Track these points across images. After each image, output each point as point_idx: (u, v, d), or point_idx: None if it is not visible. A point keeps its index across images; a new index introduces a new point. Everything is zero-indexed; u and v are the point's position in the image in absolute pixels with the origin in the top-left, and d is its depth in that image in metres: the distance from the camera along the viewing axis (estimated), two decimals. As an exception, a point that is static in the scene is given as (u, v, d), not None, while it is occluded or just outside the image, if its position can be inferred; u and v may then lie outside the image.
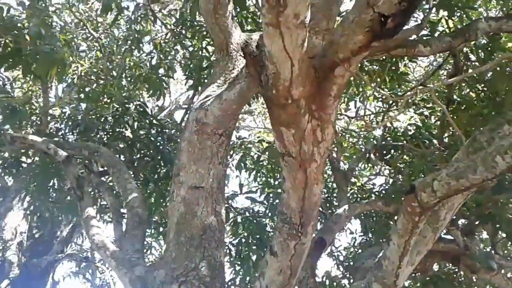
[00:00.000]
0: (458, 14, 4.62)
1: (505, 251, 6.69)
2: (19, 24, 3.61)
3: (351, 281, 6.34)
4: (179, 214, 3.40)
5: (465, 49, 5.04)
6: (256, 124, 12.16)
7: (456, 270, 6.09)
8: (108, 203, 5.11)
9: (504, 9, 5.18)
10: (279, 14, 1.76)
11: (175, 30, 7.28)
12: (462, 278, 6.19)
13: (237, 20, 5.31)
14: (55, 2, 8.38)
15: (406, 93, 5.72)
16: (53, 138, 6.01)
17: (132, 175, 4.90)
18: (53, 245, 10.05)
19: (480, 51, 4.79)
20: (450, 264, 6.12)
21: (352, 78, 5.02)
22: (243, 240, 6.26)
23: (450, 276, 6.21)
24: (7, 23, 3.53)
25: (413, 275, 5.77)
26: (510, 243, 6.51)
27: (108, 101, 6.61)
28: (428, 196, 2.39)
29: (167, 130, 6.78)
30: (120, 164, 4.72)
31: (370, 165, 7.43)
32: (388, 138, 6.51)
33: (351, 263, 6.96)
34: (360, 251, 7.00)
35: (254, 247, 6.20)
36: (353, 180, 7.29)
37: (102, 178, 5.67)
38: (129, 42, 7.27)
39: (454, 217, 3.34)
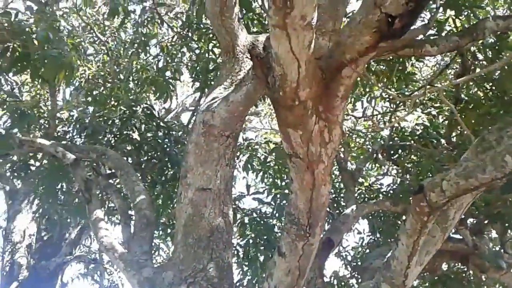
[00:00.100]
0: (466, 13, 4.60)
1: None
2: (27, 29, 3.64)
3: (359, 281, 6.32)
4: (186, 215, 3.41)
5: (472, 48, 5.02)
6: (262, 125, 12.17)
7: (465, 269, 6.07)
8: (116, 205, 5.13)
9: (512, 7, 5.16)
10: (286, 16, 1.77)
11: (181, 33, 7.31)
12: (471, 278, 6.16)
13: (243, 22, 5.31)
14: (62, 7, 8.45)
15: (414, 93, 5.70)
16: (61, 141, 6.04)
17: (140, 177, 4.92)
18: (62, 247, 10.09)
19: (487, 50, 4.76)
20: (459, 264, 6.09)
21: (359, 79, 5.01)
22: (251, 241, 6.26)
23: (459, 276, 6.18)
24: (15, 28, 3.56)
25: (422, 274, 5.75)
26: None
27: (116, 104, 6.64)
28: (437, 196, 2.38)
29: (174, 132, 6.80)
30: (128, 167, 4.74)
31: (377, 165, 7.41)
32: (396, 138, 6.49)
33: (359, 263, 6.95)
34: (368, 251, 6.98)
35: (261, 248, 6.21)
36: (360, 180, 7.27)
37: (110, 181, 5.70)
38: (136, 45, 7.30)
39: (463, 217, 3.33)
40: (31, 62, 3.68)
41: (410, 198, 2.79)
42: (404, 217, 5.05)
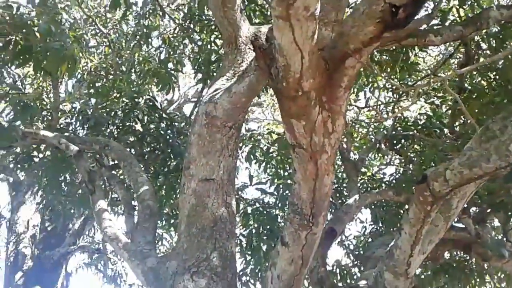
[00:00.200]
0: (469, 2, 4.58)
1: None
2: (29, 22, 3.63)
3: (362, 270, 6.35)
4: (190, 206, 3.43)
5: (476, 38, 4.99)
6: (265, 116, 12.16)
7: (468, 258, 6.09)
8: (119, 196, 5.16)
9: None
10: (289, 7, 1.76)
11: (183, 25, 7.28)
12: (474, 266, 6.19)
13: (245, 14, 5.29)
14: (64, -1, 8.43)
15: (417, 82, 5.69)
16: (63, 133, 6.06)
17: (143, 168, 4.94)
18: (66, 237, 10.17)
19: (491, 39, 4.73)
20: (462, 252, 6.11)
21: (362, 69, 4.99)
22: (254, 231, 6.29)
23: (461, 264, 6.20)
24: (17, 21, 3.56)
25: (424, 263, 5.77)
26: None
27: (118, 95, 6.65)
28: (440, 185, 2.39)
29: (176, 124, 6.81)
30: (131, 158, 4.75)
31: (380, 155, 7.42)
32: (399, 128, 6.49)
33: (362, 252, 6.97)
34: (370, 240, 7.00)
35: (264, 238, 6.24)
36: (363, 170, 7.27)
37: (113, 172, 5.72)
38: (137, 37, 7.29)
39: (466, 205, 3.34)
40: (33, 54, 3.68)
41: (413, 188, 2.79)
42: (407, 207, 5.06)
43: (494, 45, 4.77)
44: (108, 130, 6.43)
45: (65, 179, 6.60)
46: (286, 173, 6.84)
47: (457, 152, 4.42)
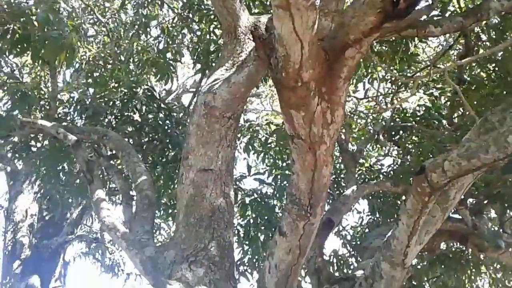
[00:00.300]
0: (469, -7, 4.56)
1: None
2: (27, 11, 3.61)
3: (359, 260, 6.39)
4: (188, 196, 3.44)
5: (476, 29, 4.98)
6: (263, 107, 12.14)
7: (464, 249, 6.13)
8: (117, 186, 5.16)
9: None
10: (289, -4, 1.75)
11: (182, 14, 7.24)
12: (470, 257, 6.23)
13: (245, 3, 5.26)
14: (61, -13, 8.34)
15: (416, 74, 5.68)
16: (62, 122, 6.04)
17: (141, 159, 4.93)
18: (63, 226, 10.18)
19: (491, 30, 4.72)
20: (458, 243, 6.15)
21: (361, 60, 4.98)
22: (251, 221, 6.31)
23: (458, 255, 6.25)
24: (15, 10, 3.53)
25: (421, 254, 5.81)
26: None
27: (116, 85, 6.61)
28: (438, 177, 2.39)
29: (175, 114, 6.80)
30: (129, 148, 4.75)
31: (378, 146, 7.42)
32: (397, 119, 6.49)
33: (359, 243, 7.01)
34: (367, 230, 7.04)
35: (262, 228, 6.26)
36: (361, 161, 7.29)
37: (111, 162, 5.72)
38: (136, 26, 7.24)
39: (463, 197, 3.35)
40: (31, 43, 3.66)
41: (411, 179, 2.80)
42: (404, 198, 5.08)
43: (494, 36, 4.76)
44: (106, 120, 6.42)
45: (63, 168, 6.59)
46: (284, 164, 6.85)
47: (455, 144, 4.43)
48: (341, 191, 6.73)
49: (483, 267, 6.54)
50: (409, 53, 5.34)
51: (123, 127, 6.31)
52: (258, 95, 11.59)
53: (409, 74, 5.91)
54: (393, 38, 4.63)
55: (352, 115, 7.72)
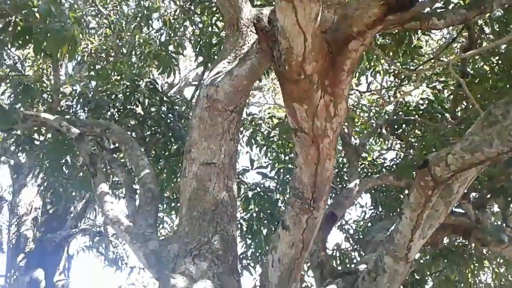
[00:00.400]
0: (473, -15, 4.51)
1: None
2: (28, 2, 3.59)
3: (361, 253, 6.40)
4: (191, 189, 3.43)
5: (480, 22, 4.94)
6: (266, 100, 12.12)
7: (467, 243, 6.12)
8: (121, 179, 5.16)
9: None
10: (292, -12, 1.74)
11: (184, 6, 7.21)
12: (473, 251, 6.22)
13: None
14: (63, -21, 8.32)
15: (419, 67, 5.65)
16: (64, 115, 6.05)
17: (144, 152, 4.94)
18: (67, 220, 10.22)
19: (495, 23, 4.68)
20: (461, 237, 6.14)
21: (364, 53, 4.94)
22: (254, 214, 6.32)
23: (461, 249, 6.24)
24: (16, 2, 3.52)
25: (424, 248, 5.81)
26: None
27: (119, 78, 6.61)
28: (441, 170, 2.38)
29: (177, 107, 6.79)
30: (132, 141, 4.75)
31: (381, 139, 7.41)
32: (400, 113, 6.46)
33: (361, 237, 7.02)
34: (370, 224, 7.04)
35: (265, 222, 6.27)
36: (364, 155, 7.28)
37: (114, 155, 5.73)
38: (138, 19, 7.22)
39: (466, 191, 3.34)
40: (33, 36, 3.64)
41: (414, 173, 2.79)
42: (407, 192, 5.07)
43: (497, 29, 4.73)
44: (109, 113, 6.42)
45: (66, 161, 6.61)
46: (286, 158, 6.85)
47: (458, 137, 4.41)
48: (344, 185, 6.73)
49: (486, 261, 6.53)
50: (412, 46, 5.31)
51: (126, 120, 6.31)
52: (260, 88, 11.57)
53: (412, 67, 5.88)
54: (396, 30, 4.60)
55: (354, 108, 7.70)
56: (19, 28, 3.64)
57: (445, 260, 6.14)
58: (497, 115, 2.52)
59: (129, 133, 5.65)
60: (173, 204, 7.08)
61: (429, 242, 4.85)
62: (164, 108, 6.55)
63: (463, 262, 6.11)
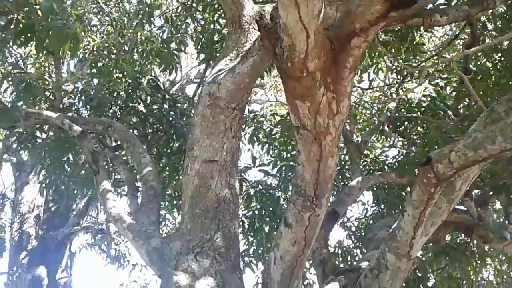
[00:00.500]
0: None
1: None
2: (30, 0, 3.59)
3: (363, 251, 6.40)
4: (193, 187, 3.43)
5: (482, 18, 4.92)
6: (267, 97, 12.11)
7: (469, 240, 6.12)
8: (123, 177, 5.17)
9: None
10: (295, -16, 1.73)
11: (186, 3, 7.20)
12: (475, 248, 6.22)
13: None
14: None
15: (421, 63, 5.63)
16: (66, 113, 6.06)
17: (146, 149, 4.94)
18: (69, 218, 10.26)
19: (498, 19, 4.67)
20: (463, 235, 6.13)
21: (366, 49, 4.93)
22: (256, 212, 6.32)
23: (463, 246, 6.23)
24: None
25: (426, 245, 5.81)
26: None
27: (120, 75, 6.61)
28: (444, 168, 2.38)
29: (179, 105, 6.79)
30: (134, 139, 4.75)
31: (383, 137, 7.40)
32: (402, 110, 6.45)
33: (363, 234, 7.01)
34: (372, 222, 7.04)
35: (267, 219, 6.27)
36: (366, 152, 7.27)
37: (116, 153, 5.73)
38: (140, 16, 7.21)
39: (468, 188, 3.33)
40: (35, 33, 3.64)
41: (416, 170, 2.79)
42: (409, 189, 5.05)
43: (500, 25, 4.71)
44: (111, 110, 6.42)
45: (68, 159, 6.62)
46: (288, 155, 6.84)
47: (461, 134, 4.40)
48: (346, 182, 6.72)
49: (488, 258, 6.53)
50: (415, 42, 5.29)
51: (128, 118, 6.32)
52: (262, 85, 11.56)
53: (414, 64, 5.86)
54: (399, 27, 4.59)
55: (357, 105, 7.69)
56: (21, 25, 3.63)
57: (447, 257, 6.14)
58: (500, 112, 2.51)
59: (131, 130, 5.65)
60: (175, 202, 7.09)
61: (431, 239, 4.84)
62: (166, 106, 6.55)
63: (465, 259, 6.11)
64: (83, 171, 6.67)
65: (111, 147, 5.71)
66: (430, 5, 4.06)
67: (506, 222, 5.74)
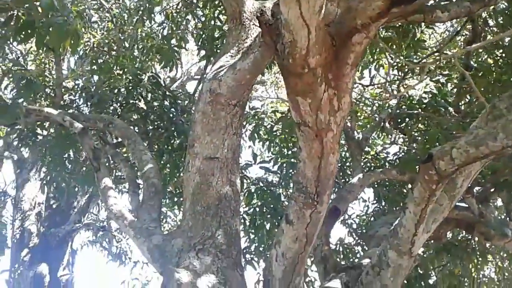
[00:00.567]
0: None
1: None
2: (31, -4, 3.58)
3: (365, 248, 6.40)
4: (194, 184, 3.43)
5: (484, 14, 4.91)
6: (268, 94, 12.10)
7: (470, 237, 6.12)
8: (124, 174, 5.17)
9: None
10: (296, -20, 1.72)
11: (186, 0, 7.18)
12: (476, 245, 6.22)
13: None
14: (65, -27, 8.27)
15: (423, 60, 5.61)
16: (67, 110, 6.05)
17: (147, 146, 4.93)
18: (70, 215, 10.26)
19: (499, 16, 4.65)
20: (464, 232, 6.13)
21: (367, 45, 4.91)
22: (257, 209, 6.32)
23: (464, 243, 6.24)
24: (19, -5, 3.50)
25: (427, 242, 5.80)
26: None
27: (121, 72, 6.60)
28: (446, 164, 2.37)
29: (180, 101, 6.78)
30: (135, 136, 4.74)
31: (384, 133, 7.38)
32: (403, 106, 6.44)
33: (364, 231, 7.01)
34: (373, 219, 7.03)
35: (268, 216, 6.27)
36: (367, 149, 7.25)
37: (117, 150, 5.73)
38: (140, 12, 7.19)
39: (469, 185, 3.33)
40: (35, 30, 3.63)
41: (417, 167, 2.78)
42: (410, 186, 5.04)
43: (501, 22, 4.69)
44: (112, 107, 6.41)
45: (69, 156, 6.62)
46: (289, 152, 6.84)
47: (462, 131, 4.39)
48: (347, 179, 6.71)
49: (489, 255, 6.53)
50: (416, 39, 5.27)
51: (129, 115, 6.31)
52: (263, 82, 11.54)
53: (415, 60, 5.84)
54: (400, 23, 4.57)
55: (358, 102, 7.67)
56: (21, 22, 3.62)
57: (449, 254, 6.14)
58: (501, 108, 2.51)
59: (132, 127, 5.65)
60: (176, 199, 7.09)
61: (432, 236, 4.84)
62: (166, 103, 6.54)
63: (466, 256, 6.11)
64: (84, 168, 6.67)
65: (112, 144, 5.70)
66: (431, 1, 4.05)
67: (508, 219, 5.74)
